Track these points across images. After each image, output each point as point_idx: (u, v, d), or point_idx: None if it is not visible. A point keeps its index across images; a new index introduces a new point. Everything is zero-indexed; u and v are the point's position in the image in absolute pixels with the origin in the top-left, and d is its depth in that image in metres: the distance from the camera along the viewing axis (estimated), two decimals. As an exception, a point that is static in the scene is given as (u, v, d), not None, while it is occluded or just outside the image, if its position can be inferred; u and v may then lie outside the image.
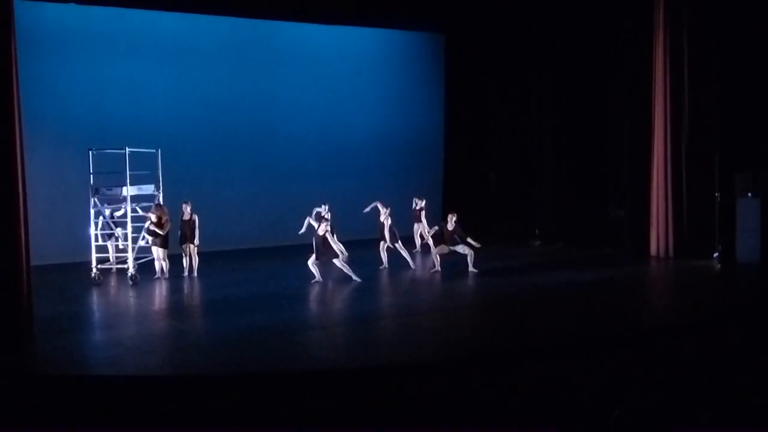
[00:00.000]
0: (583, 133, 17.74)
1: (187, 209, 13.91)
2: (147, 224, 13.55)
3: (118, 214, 14.20)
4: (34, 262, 9.98)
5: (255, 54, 18.37)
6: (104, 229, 13.81)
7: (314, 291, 12.58)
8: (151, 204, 14.00)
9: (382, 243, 14.62)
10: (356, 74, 19.65)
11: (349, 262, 13.56)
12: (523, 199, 19.24)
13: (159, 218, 13.40)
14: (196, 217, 13.93)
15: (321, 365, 8.31)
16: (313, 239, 13.12)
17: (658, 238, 15.44)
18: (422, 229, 16.76)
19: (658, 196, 15.41)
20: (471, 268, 13.79)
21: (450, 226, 13.87)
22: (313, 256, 13.06)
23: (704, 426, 5.59)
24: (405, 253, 14.62)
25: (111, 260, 14.20)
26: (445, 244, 13.95)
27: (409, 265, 14.54)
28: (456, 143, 20.38)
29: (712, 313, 10.70)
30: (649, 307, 11.88)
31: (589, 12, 16.90)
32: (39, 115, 14.67)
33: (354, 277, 13.00)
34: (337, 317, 10.95)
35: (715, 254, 14.44)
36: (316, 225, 13.50)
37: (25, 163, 9.68)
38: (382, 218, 14.59)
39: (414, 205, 17.02)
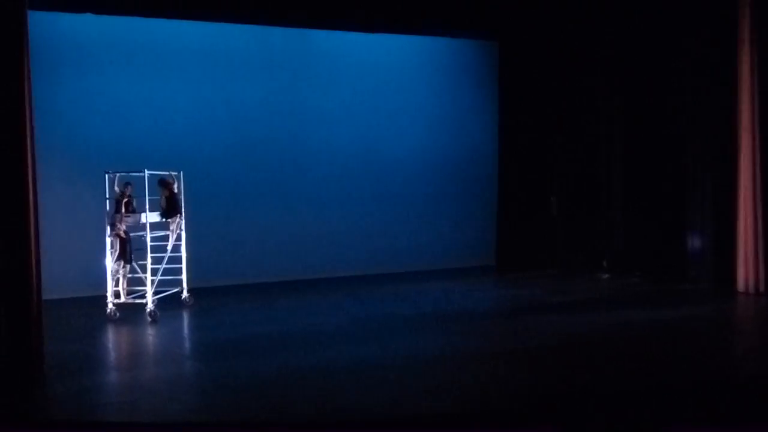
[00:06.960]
0: (657, 149, 17.55)
1: None
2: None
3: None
4: (45, 296, 10.21)
5: (287, 66, 18.64)
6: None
7: (350, 329, 12.61)
8: (166, 233, 14.26)
9: None
10: (399, 87, 19.83)
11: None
12: (589, 226, 19.08)
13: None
14: None
15: (357, 414, 8.29)
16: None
17: (746, 271, 15.17)
18: None
19: (746, 223, 15.18)
20: None
21: None
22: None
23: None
24: None
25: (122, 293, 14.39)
26: None
27: None
28: (511, 163, 20.31)
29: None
30: (739, 351, 11.62)
31: (664, 12, 16.82)
32: (52, 134, 15.09)
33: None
34: (369, 360, 10.91)
35: (814, 290, 14.16)
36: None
37: (38, 188, 9.95)
38: None
39: None
